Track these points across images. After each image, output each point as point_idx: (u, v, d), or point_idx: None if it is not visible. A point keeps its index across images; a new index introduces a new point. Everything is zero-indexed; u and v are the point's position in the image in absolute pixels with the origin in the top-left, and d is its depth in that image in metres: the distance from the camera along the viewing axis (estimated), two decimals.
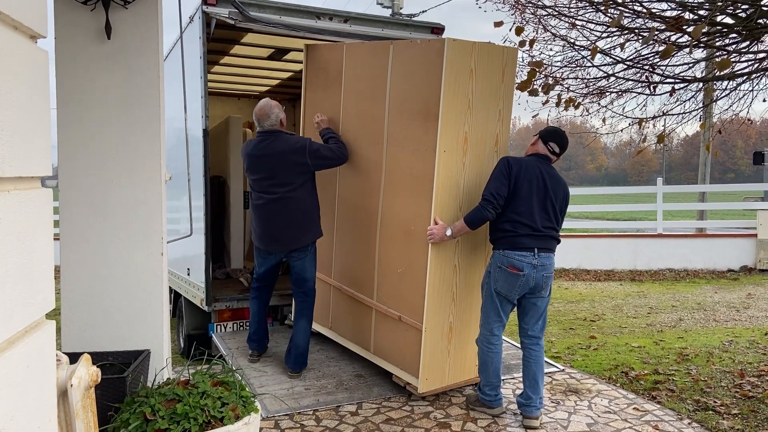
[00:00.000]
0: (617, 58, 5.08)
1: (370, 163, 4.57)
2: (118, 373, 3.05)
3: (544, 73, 5.64)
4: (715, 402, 4.35)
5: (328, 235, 5.00)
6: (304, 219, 4.55)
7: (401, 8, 18.59)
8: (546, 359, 5.18)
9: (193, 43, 5.31)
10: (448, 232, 3.91)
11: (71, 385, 2.28)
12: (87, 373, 2.37)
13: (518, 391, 4.30)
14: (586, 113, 6.00)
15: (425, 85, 4.01)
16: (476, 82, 4.02)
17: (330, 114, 4.92)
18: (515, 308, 4.03)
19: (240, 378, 3.29)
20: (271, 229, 4.59)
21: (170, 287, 6.90)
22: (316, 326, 5.20)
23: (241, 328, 5.71)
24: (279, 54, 7.02)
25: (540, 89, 4.72)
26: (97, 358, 3.14)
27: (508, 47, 4.27)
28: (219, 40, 6.31)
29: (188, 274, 6.03)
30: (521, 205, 3.81)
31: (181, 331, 6.69)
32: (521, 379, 4.08)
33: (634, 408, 4.19)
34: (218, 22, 5.10)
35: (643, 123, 5.13)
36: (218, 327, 5.65)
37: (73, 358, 2.51)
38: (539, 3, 5.53)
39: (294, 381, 4.52)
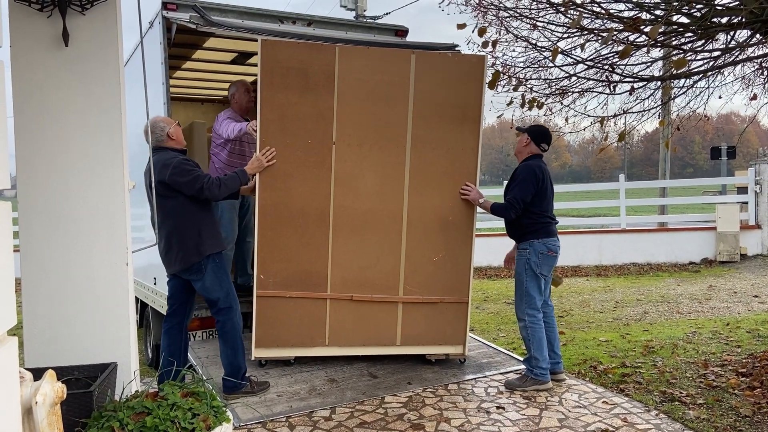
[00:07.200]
0: (578, 59, 5.17)
1: (388, 165, 4.70)
2: (84, 388, 2.97)
3: (508, 73, 5.71)
4: (680, 393, 4.46)
5: (317, 251, 4.69)
6: (179, 241, 4.20)
7: (365, 10, 18.62)
8: (517, 356, 5.26)
9: (154, 49, 5.21)
10: (481, 200, 4.68)
11: (36, 403, 2.21)
12: (52, 389, 2.31)
13: (491, 389, 4.50)
14: (549, 113, 6.08)
15: (462, 93, 4.64)
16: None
17: (312, 118, 4.57)
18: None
19: (210, 388, 3.24)
20: (159, 251, 4.34)
21: (136, 297, 6.77)
22: (305, 352, 4.85)
23: (211, 337, 5.63)
24: (242, 58, 6.95)
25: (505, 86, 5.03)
26: (62, 372, 3.06)
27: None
28: (181, 44, 6.22)
29: (155, 284, 5.92)
30: (546, 203, 4.61)
31: (149, 341, 6.57)
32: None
33: (603, 401, 4.27)
34: (179, 27, 5.01)
35: (605, 122, 5.23)
36: None
37: (37, 373, 2.44)
38: (501, 5, 5.58)
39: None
